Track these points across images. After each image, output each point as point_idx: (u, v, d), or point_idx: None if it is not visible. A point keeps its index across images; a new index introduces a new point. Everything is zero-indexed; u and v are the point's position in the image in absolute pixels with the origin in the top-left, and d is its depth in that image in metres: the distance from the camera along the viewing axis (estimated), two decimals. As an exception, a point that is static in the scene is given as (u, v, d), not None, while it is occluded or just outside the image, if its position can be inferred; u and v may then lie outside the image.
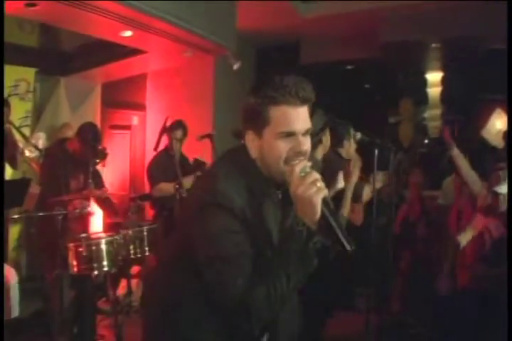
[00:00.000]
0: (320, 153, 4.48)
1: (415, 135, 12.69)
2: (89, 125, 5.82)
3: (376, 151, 4.84)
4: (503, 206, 5.49)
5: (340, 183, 4.45)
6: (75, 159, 5.49)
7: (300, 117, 2.06)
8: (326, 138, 4.61)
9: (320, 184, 1.94)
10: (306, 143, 2.09)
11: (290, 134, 2.03)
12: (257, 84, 2.17)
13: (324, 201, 1.94)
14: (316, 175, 1.96)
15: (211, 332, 2.18)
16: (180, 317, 2.20)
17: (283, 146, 2.04)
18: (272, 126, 2.04)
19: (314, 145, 4.22)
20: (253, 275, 1.97)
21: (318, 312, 4.52)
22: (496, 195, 5.48)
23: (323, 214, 1.94)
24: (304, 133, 2.07)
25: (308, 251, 1.98)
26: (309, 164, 2.02)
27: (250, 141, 2.10)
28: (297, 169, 1.96)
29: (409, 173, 7.74)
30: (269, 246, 2.09)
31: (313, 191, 1.92)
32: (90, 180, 5.32)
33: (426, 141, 14.61)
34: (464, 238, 5.64)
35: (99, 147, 5.62)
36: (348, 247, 1.93)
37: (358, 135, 4.95)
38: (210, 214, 2.02)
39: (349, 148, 5.15)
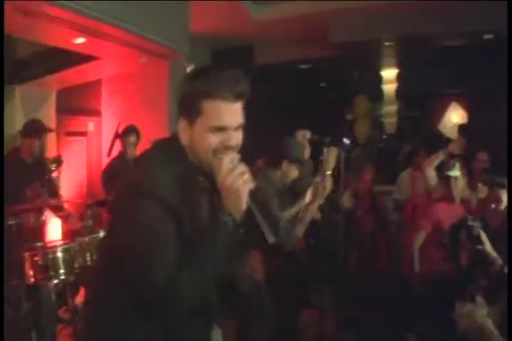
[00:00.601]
0: None
1: (371, 131, 12.83)
2: (32, 121, 5.87)
3: (325, 149, 4.95)
4: (455, 189, 5.68)
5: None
6: (28, 167, 5.50)
7: (233, 112, 2.08)
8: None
9: (247, 176, 1.97)
10: (237, 138, 2.11)
11: (221, 129, 2.05)
12: (192, 74, 2.17)
13: (251, 193, 1.99)
14: (244, 168, 1.99)
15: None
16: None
17: (213, 139, 2.05)
18: (203, 118, 2.05)
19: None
20: (179, 263, 1.97)
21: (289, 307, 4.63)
22: (448, 178, 5.66)
23: (249, 206, 2.00)
24: (236, 128, 2.10)
25: (234, 241, 2.02)
26: (238, 156, 2.04)
27: (182, 128, 2.11)
28: (225, 160, 1.98)
29: (362, 169, 7.83)
30: (198, 234, 2.06)
31: (240, 183, 1.95)
32: (44, 188, 5.35)
33: (384, 137, 14.81)
34: (418, 242, 5.79)
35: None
36: (271, 240, 2.01)
37: (308, 134, 5.05)
38: (135, 202, 2.01)
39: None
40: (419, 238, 5.77)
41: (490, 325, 4.70)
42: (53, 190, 5.78)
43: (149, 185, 2.01)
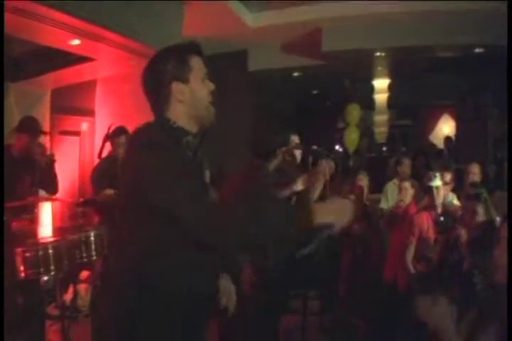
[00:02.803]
0: None
1: (362, 140, 12.90)
2: (28, 118, 5.95)
3: (311, 158, 5.04)
4: (437, 199, 5.79)
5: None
6: (21, 164, 5.56)
7: (204, 62, 2.47)
8: None
9: None
10: (212, 83, 2.48)
11: (205, 77, 2.45)
12: (167, 48, 2.52)
13: None
14: None
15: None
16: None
17: (206, 85, 2.45)
18: (195, 72, 2.41)
19: None
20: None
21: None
22: (430, 189, 5.77)
23: None
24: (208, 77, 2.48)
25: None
26: None
27: (178, 89, 2.39)
28: None
29: (354, 177, 7.90)
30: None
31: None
32: (35, 186, 5.41)
33: (374, 146, 14.88)
34: (409, 254, 5.89)
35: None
36: None
37: (295, 141, 5.12)
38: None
39: None
40: (409, 252, 5.88)
41: (447, 325, 4.79)
42: (52, 185, 5.86)
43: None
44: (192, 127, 2.43)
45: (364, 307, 6.33)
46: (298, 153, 5.21)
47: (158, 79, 2.40)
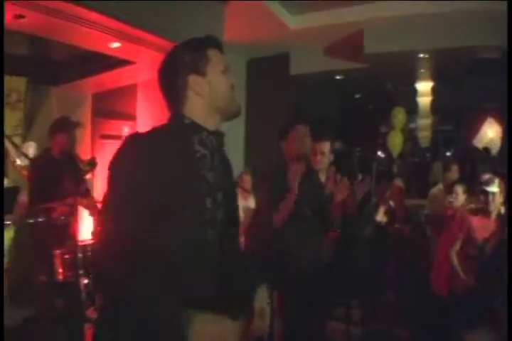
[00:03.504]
0: None
1: (405, 144, 12.72)
2: (61, 118, 5.95)
3: (356, 159, 4.95)
4: (493, 205, 5.63)
5: None
6: (60, 164, 5.56)
7: (223, 56, 2.38)
8: None
9: None
10: (233, 77, 2.37)
11: (226, 69, 2.34)
12: (185, 41, 2.39)
13: None
14: None
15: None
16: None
17: (226, 79, 2.33)
18: (213, 64, 2.30)
19: None
20: None
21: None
22: (486, 193, 5.61)
23: None
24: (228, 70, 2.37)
25: None
26: None
27: (196, 82, 2.27)
28: None
29: (392, 182, 7.80)
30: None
31: None
32: (76, 187, 5.40)
33: (417, 151, 14.70)
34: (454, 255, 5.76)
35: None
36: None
37: (338, 145, 5.04)
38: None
39: None
40: (455, 247, 5.74)
41: None
42: (86, 190, 5.82)
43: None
44: (209, 123, 2.29)
45: (408, 317, 6.21)
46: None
47: (174, 71, 2.28)
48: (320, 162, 5.05)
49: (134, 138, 2.17)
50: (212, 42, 2.36)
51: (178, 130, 2.21)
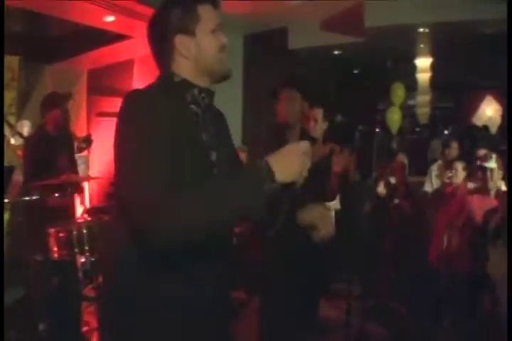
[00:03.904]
0: None
1: (404, 121, 12.64)
2: (52, 93, 5.83)
3: (357, 134, 4.86)
4: (491, 182, 5.57)
5: None
6: (54, 140, 5.45)
7: (217, 12, 2.19)
8: None
9: None
10: (225, 36, 2.20)
11: (217, 28, 2.16)
12: None
13: None
14: None
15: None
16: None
17: (216, 38, 2.15)
18: (203, 23, 2.12)
19: None
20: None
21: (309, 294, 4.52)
22: (484, 169, 5.55)
23: None
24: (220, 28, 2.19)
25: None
26: None
27: (182, 43, 2.11)
28: None
29: (394, 158, 7.75)
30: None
31: (303, 158, 1.93)
32: (71, 164, 5.33)
33: (416, 128, 14.65)
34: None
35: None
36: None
37: (339, 117, 4.95)
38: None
39: None
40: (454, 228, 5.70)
41: None
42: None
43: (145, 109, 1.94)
44: (200, 81, 2.16)
45: (407, 292, 6.19)
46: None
47: (160, 31, 2.13)
48: (313, 129, 4.94)
49: (134, 93, 2.04)
50: None
51: (169, 88, 2.09)
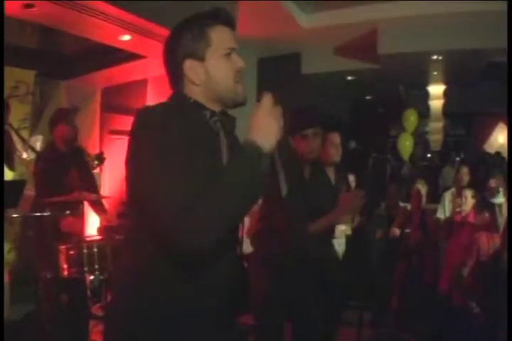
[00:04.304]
0: None
1: (415, 148, 12.61)
2: (60, 109, 5.88)
3: (371, 162, 4.82)
4: (500, 218, 5.50)
5: None
6: (64, 157, 5.46)
7: (232, 34, 2.11)
8: None
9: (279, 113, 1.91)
10: (241, 58, 2.10)
11: (231, 51, 2.07)
12: (189, 17, 2.13)
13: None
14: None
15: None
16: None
17: (229, 64, 2.06)
18: (214, 47, 2.05)
19: None
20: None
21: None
22: (492, 206, 5.48)
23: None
24: (236, 51, 2.11)
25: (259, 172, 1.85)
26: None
27: (191, 68, 2.04)
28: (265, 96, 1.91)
29: (411, 185, 7.70)
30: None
31: (275, 115, 1.89)
32: (82, 181, 5.32)
33: (428, 154, 14.61)
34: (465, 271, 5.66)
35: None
36: (284, 191, 1.98)
37: (353, 144, 4.92)
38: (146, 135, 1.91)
39: None
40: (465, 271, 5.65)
41: None
42: (92, 185, 5.72)
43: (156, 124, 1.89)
44: (212, 106, 2.08)
45: (416, 321, 6.11)
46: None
47: (171, 55, 2.07)
48: (332, 154, 4.88)
49: (147, 109, 2.01)
50: (218, 18, 2.09)
51: (182, 107, 2.03)
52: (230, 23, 2.11)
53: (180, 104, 2.05)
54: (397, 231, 6.85)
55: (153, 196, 1.82)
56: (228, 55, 2.06)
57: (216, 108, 2.10)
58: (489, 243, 5.55)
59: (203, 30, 2.04)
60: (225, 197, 1.79)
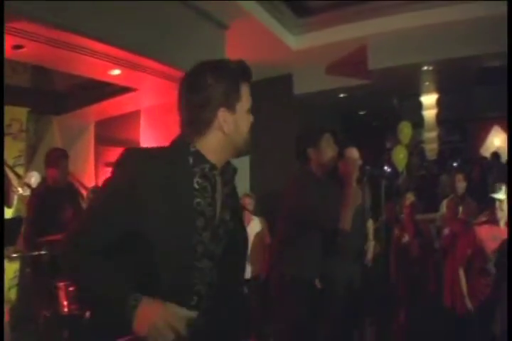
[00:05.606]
0: None
1: (410, 158, 12.60)
2: (52, 151, 5.95)
3: (365, 178, 4.84)
4: (500, 212, 5.52)
5: None
6: (57, 193, 5.53)
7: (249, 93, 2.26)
8: None
9: None
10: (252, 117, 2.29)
11: (250, 109, 2.25)
12: (218, 67, 2.22)
13: None
14: None
15: None
16: None
17: (250, 119, 2.25)
18: (242, 102, 2.18)
19: None
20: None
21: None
22: (493, 201, 5.52)
23: None
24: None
25: None
26: None
27: (224, 118, 2.15)
28: None
29: (403, 197, 7.71)
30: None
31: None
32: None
33: (424, 164, 14.61)
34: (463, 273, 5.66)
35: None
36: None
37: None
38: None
39: None
40: (464, 265, 5.63)
41: None
42: None
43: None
44: (215, 158, 2.18)
45: (421, 335, 6.12)
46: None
47: (204, 101, 2.13)
48: (351, 170, 4.73)
49: (133, 151, 2.16)
50: (246, 73, 2.22)
51: (181, 155, 2.13)
52: (250, 78, 2.24)
53: (178, 153, 2.14)
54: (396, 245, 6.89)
55: (72, 230, 2.12)
56: (249, 111, 2.23)
57: (219, 158, 2.20)
58: (489, 234, 5.56)
59: (237, 85, 2.17)
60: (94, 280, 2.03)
